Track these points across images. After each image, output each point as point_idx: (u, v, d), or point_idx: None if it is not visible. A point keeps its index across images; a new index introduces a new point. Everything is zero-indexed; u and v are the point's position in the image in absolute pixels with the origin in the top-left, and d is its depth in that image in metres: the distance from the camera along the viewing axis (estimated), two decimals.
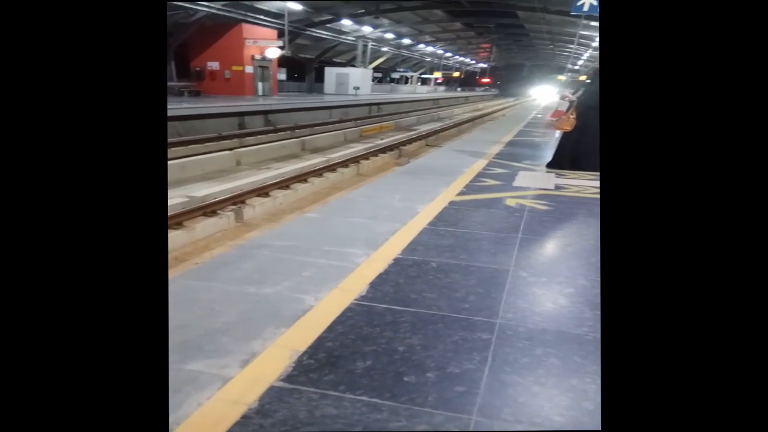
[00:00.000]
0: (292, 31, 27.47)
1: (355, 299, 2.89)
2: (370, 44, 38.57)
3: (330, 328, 2.55)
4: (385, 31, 38.78)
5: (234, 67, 25.82)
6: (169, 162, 10.31)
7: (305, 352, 2.32)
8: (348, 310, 2.76)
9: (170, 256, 5.78)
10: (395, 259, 3.54)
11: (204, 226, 6.54)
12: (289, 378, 2.13)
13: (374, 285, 3.10)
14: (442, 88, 65.59)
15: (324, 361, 2.26)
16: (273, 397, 2.00)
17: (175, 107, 15.50)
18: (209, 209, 6.96)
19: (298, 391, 2.05)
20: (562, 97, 12.30)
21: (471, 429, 1.87)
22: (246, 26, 25.46)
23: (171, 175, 9.66)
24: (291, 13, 26.23)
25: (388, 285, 3.11)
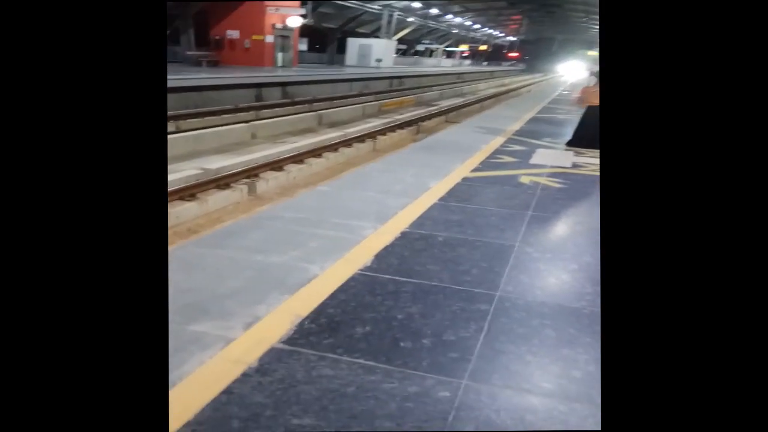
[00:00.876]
0: None
1: (360, 269, 2.97)
2: (396, 14, 37.93)
3: (333, 296, 2.63)
4: (412, 0, 38.00)
5: (254, 37, 25.41)
6: (184, 134, 10.46)
7: (307, 317, 2.41)
8: (352, 279, 2.84)
9: (183, 227, 5.91)
10: (402, 233, 3.60)
11: (216, 199, 6.64)
12: (290, 340, 2.22)
13: (379, 257, 3.17)
14: (467, 61, 64.64)
15: (325, 326, 2.35)
16: (273, 357, 2.10)
17: (192, 77, 15.58)
18: (222, 182, 7.05)
19: (297, 352, 2.14)
20: (592, 74, 12.01)
21: (461, 391, 1.94)
22: None
23: (186, 147, 9.79)
24: None
25: (394, 257, 3.18)
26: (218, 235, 3.51)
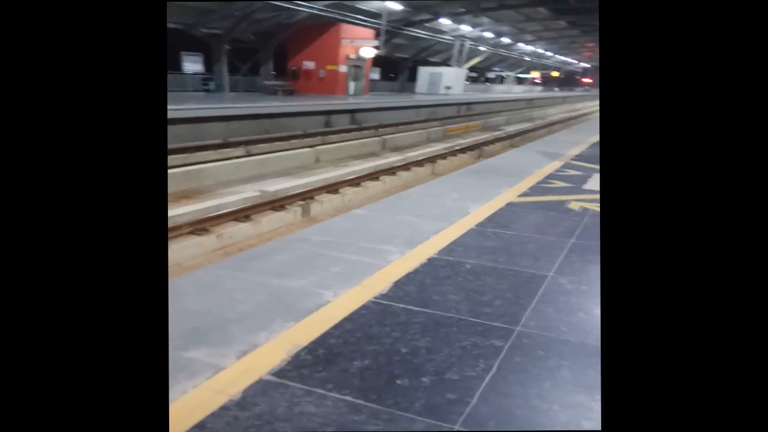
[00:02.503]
0: (389, 30, 27.65)
1: (375, 297, 2.84)
2: (467, 43, 38.03)
3: (338, 325, 2.51)
4: (484, 30, 38.00)
5: (329, 67, 26.36)
6: (251, 158, 10.76)
7: (305, 348, 2.30)
8: (363, 307, 2.71)
9: (234, 247, 6.00)
10: (429, 259, 3.45)
11: (270, 220, 6.73)
12: (280, 372, 2.12)
13: (398, 284, 3.03)
14: (539, 87, 63.65)
15: (321, 358, 2.23)
16: (258, 390, 2.00)
17: (265, 105, 16.12)
18: (278, 204, 7.15)
19: (284, 385, 2.03)
20: None
21: None
22: (344, 26, 25.92)
23: (251, 171, 10.05)
24: (390, 12, 26.39)
25: (413, 284, 3.03)
26: (243, 258, 3.49)
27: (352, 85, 27.31)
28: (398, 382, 2.08)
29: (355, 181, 8.67)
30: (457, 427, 1.82)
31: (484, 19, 35.18)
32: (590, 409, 1.95)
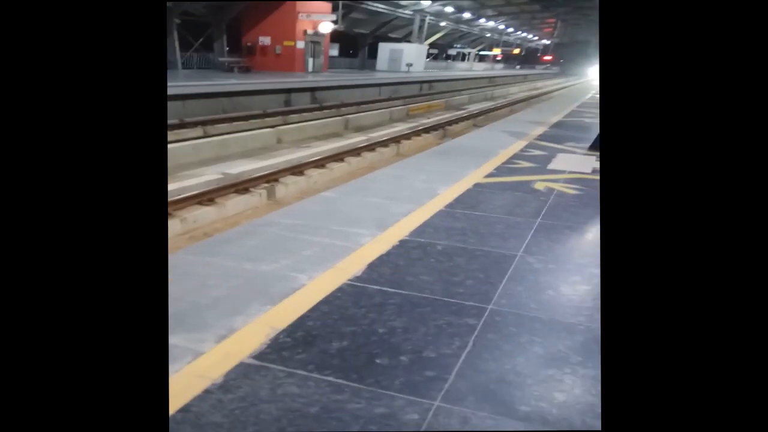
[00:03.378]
0: (347, 4, 27.25)
1: (349, 279, 2.87)
2: (427, 19, 37.85)
3: (315, 308, 2.54)
4: (444, 5, 37.87)
5: (285, 43, 25.76)
6: (210, 139, 10.56)
7: (284, 330, 2.33)
8: (339, 290, 2.75)
9: (199, 231, 5.93)
10: (401, 241, 3.50)
11: (235, 203, 6.65)
12: (260, 355, 2.14)
13: (372, 266, 3.07)
14: (500, 65, 64.02)
15: (300, 340, 2.26)
16: (239, 373, 2.02)
17: (222, 83, 15.76)
18: (242, 186, 7.06)
19: (265, 368, 2.06)
20: None
21: (431, 413, 1.83)
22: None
23: (211, 152, 9.86)
24: None
25: (387, 266, 3.08)
26: (213, 242, 3.47)
27: (310, 62, 26.86)
28: (377, 361, 2.13)
29: (320, 163, 8.62)
30: (437, 403, 1.89)
31: None
32: (561, 382, 2.04)
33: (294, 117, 14.89)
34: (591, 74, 57.84)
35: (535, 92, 30.84)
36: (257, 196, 6.93)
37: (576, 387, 2.01)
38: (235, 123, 12.87)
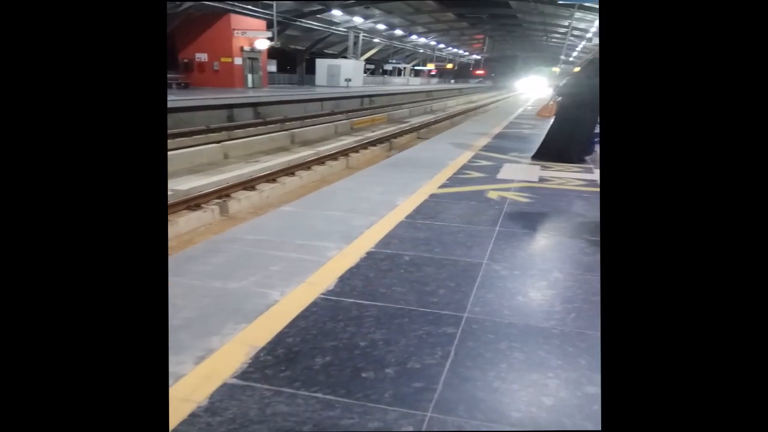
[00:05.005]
0: (281, 21, 27.23)
1: (322, 293, 2.84)
2: (361, 35, 38.34)
3: (292, 324, 2.50)
4: (376, 22, 38.55)
5: (223, 59, 25.57)
6: None
7: (263, 348, 2.28)
8: (313, 304, 2.71)
9: None
10: (368, 253, 3.49)
11: (188, 220, 6.48)
12: (243, 375, 2.08)
13: (343, 279, 3.05)
14: (435, 80, 65.33)
15: (282, 357, 2.21)
16: (224, 394, 1.95)
17: None
18: (193, 203, 6.89)
19: (251, 388, 2.00)
20: (556, 89, 12.33)
21: (425, 424, 1.83)
22: (234, 16, 25.17)
23: None
24: (280, 3, 25.98)
25: (358, 279, 3.06)
26: (175, 261, 3.35)
27: (249, 78, 26.73)
28: (363, 375, 2.11)
29: (271, 177, 8.52)
30: (429, 414, 1.89)
31: (376, 11, 35.69)
32: (546, 386, 2.09)
33: (239, 132, 14.68)
34: (519, 88, 59.61)
35: (471, 105, 31.67)
36: (210, 212, 6.79)
37: (561, 390, 2.06)
38: (178, 139, 12.55)
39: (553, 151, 7.49)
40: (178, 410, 1.85)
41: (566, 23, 40.87)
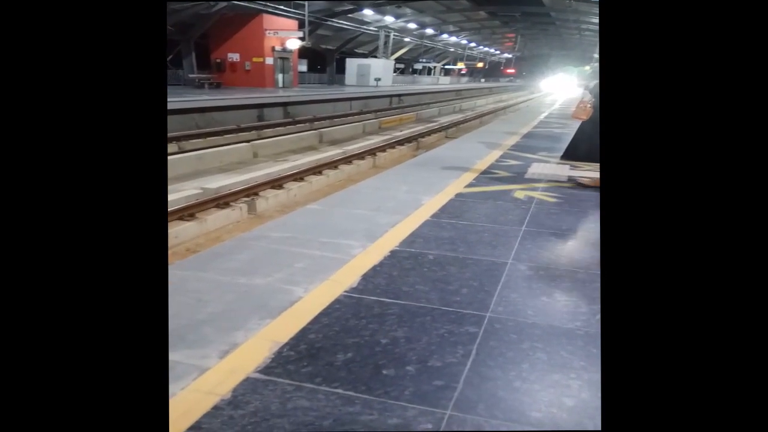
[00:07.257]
0: (312, 21, 27.43)
1: (345, 291, 2.87)
2: (392, 35, 38.35)
3: (315, 320, 2.52)
4: (407, 21, 38.49)
5: (254, 59, 25.87)
6: (187, 154, 10.44)
7: (286, 344, 2.31)
8: (336, 302, 2.73)
9: (182, 247, 5.84)
10: (392, 251, 3.50)
11: (216, 218, 6.58)
12: (266, 369, 2.11)
13: (367, 277, 3.07)
14: (465, 78, 64.96)
15: (304, 353, 2.24)
16: (247, 388, 1.99)
17: (194, 99, 15.66)
18: (222, 201, 6.99)
19: (273, 382, 2.03)
20: (586, 88, 12.10)
21: (444, 423, 1.83)
22: (266, 17, 25.43)
23: (188, 167, 9.76)
24: (311, 3, 26.18)
25: (381, 277, 3.08)
26: (203, 258, 3.42)
27: (280, 77, 27.00)
28: (384, 372, 2.13)
29: (299, 176, 8.60)
30: (449, 412, 1.89)
31: (407, 10, 35.60)
32: (568, 387, 2.07)
33: (268, 131, 14.84)
34: (546, 88, 58.26)
35: (501, 104, 31.37)
36: (238, 211, 6.87)
37: (583, 391, 2.04)
38: (209, 138, 12.76)
39: (582, 150, 7.38)
40: (202, 403, 1.89)
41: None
